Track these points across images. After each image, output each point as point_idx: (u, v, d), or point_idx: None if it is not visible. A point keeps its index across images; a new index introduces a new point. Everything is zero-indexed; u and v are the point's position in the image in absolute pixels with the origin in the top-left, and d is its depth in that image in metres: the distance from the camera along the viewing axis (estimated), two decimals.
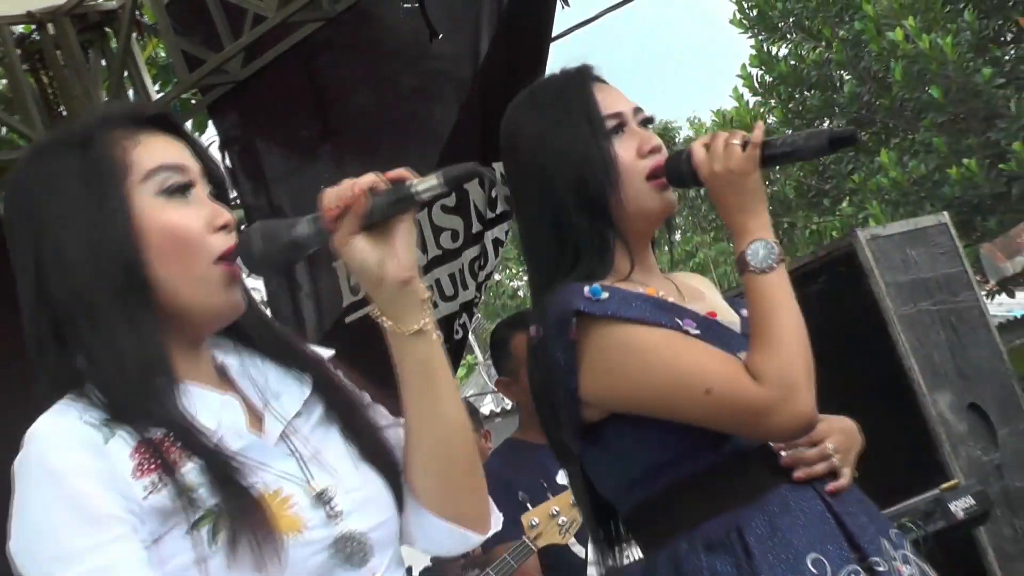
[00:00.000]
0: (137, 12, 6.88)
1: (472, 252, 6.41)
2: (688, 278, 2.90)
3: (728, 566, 2.63)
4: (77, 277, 2.01)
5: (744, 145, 2.67)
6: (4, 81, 7.42)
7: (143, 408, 1.98)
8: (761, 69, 24.16)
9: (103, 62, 7.11)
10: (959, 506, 4.07)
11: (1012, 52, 22.28)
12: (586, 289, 2.62)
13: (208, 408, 2.04)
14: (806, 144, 2.73)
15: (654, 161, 2.75)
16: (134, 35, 6.99)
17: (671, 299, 2.75)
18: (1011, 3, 22.18)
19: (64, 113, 7.05)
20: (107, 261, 2.00)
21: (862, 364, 4.45)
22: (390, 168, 2.07)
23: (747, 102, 24.25)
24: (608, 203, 2.71)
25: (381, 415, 2.21)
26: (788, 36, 24.13)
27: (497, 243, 6.32)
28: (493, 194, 6.00)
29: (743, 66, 24.19)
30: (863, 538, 2.66)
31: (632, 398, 2.65)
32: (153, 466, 1.95)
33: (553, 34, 6.07)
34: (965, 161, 21.04)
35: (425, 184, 2.08)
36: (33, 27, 7.04)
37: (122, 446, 1.95)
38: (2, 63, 7.22)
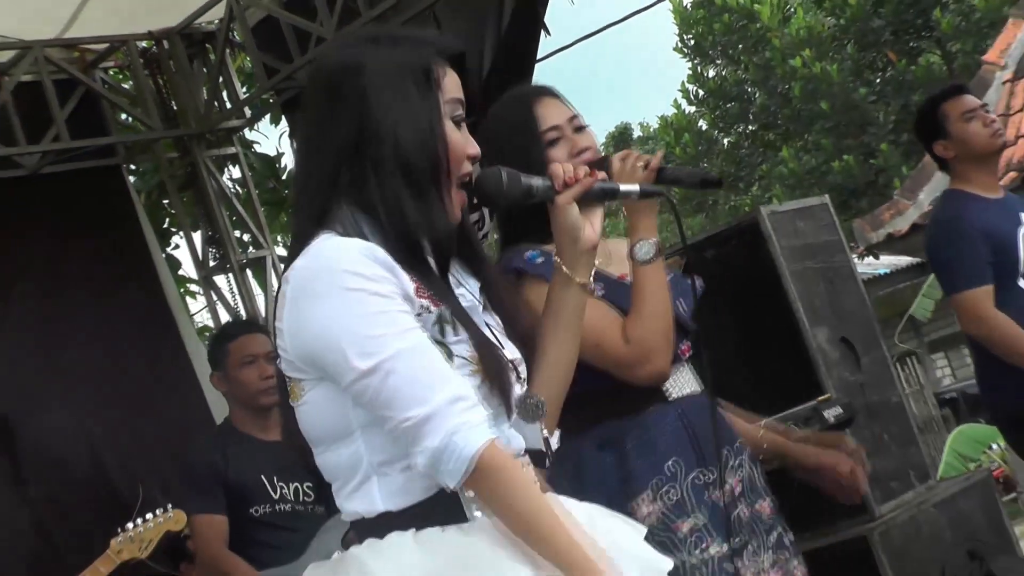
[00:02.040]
0: (230, 33, 6.85)
1: (472, 216, 6.39)
2: (619, 244, 2.83)
3: (611, 459, 2.66)
4: (403, 148, 1.89)
5: (645, 166, 2.63)
6: (130, 83, 7.36)
7: (418, 262, 1.88)
8: (695, 85, 24.19)
9: (204, 70, 7.07)
10: (831, 414, 4.05)
11: (881, 76, 22.29)
12: (527, 254, 2.62)
13: None
14: (688, 178, 2.73)
15: (579, 161, 2.66)
16: (227, 50, 6.96)
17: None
18: (883, 40, 22.16)
19: (175, 108, 7.04)
20: (429, 146, 1.91)
21: (762, 307, 4.43)
22: None
23: (684, 110, 24.27)
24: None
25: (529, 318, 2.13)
26: (716, 61, 24.19)
27: (492, 211, 6.30)
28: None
29: (682, 83, 24.29)
30: (706, 450, 2.67)
31: None
32: (428, 293, 1.86)
33: (538, 56, 6.04)
34: (845, 157, 21.12)
35: (627, 188, 2.17)
36: (152, 43, 7.00)
37: (403, 271, 1.85)
38: (129, 69, 7.18)
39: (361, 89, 1.92)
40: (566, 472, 2.72)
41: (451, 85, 1.97)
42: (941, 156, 4.24)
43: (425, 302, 1.85)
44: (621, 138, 32.68)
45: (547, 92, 2.81)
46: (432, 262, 1.91)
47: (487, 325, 1.98)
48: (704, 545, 2.60)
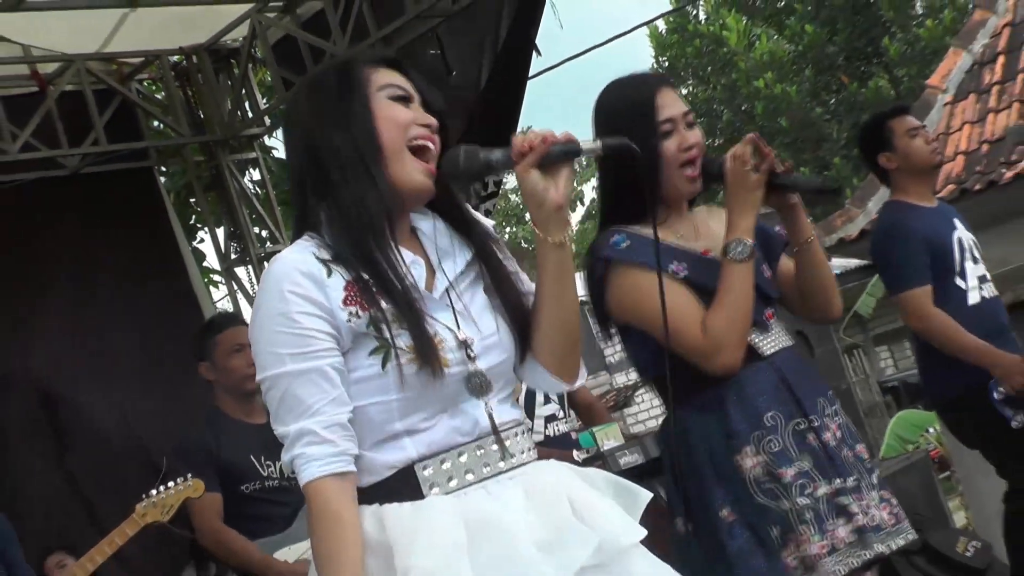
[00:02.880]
0: (253, 50, 6.84)
1: None
2: (711, 215, 2.73)
3: (713, 421, 2.56)
4: (341, 151, 1.91)
5: (756, 169, 2.55)
6: (163, 93, 7.35)
7: (364, 250, 1.88)
8: None
9: (229, 82, 7.07)
10: None
11: (835, 98, 22.34)
12: (613, 238, 2.53)
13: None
14: (804, 184, 2.60)
15: (687, 156, 2.60)
16: (250, 65, 6.95)
17: (678, 243, 2.63)
18: (837, 65, 22.21)
19: (202, 116, 7.03)
20: (360, 140, 1.91)
21: None
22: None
23: None
24: (654, 179, 2.57)
25: (523, 281, 2.04)
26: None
27: (488, 213, 6.29)
28: (485, 179, 5.96)
29: None
30: (806, 401, 2.58)
31: (632, 320, 2.58)
32: (357, 300, 1.86)
33: (530, 73, 6.06)
34: (802, 169, 21.07)
35: (589, 145, 1.96)
36: (183, 58, 6.99)
37: (338, 281, 1.86)
38: (161, 81, 7.18)
39: (298, 115, 2.00)
40: (674, 436, 2.63)
41: (382, 77, 1.97)
42: (884, 167, 4.25)
43: (354, 308, 1.85)
44: None
45: (668, 83, 2.70)
46: (378, 254, 1.90)
47: (453, 309, 1.95)
48: (811, 489, 2.51)
